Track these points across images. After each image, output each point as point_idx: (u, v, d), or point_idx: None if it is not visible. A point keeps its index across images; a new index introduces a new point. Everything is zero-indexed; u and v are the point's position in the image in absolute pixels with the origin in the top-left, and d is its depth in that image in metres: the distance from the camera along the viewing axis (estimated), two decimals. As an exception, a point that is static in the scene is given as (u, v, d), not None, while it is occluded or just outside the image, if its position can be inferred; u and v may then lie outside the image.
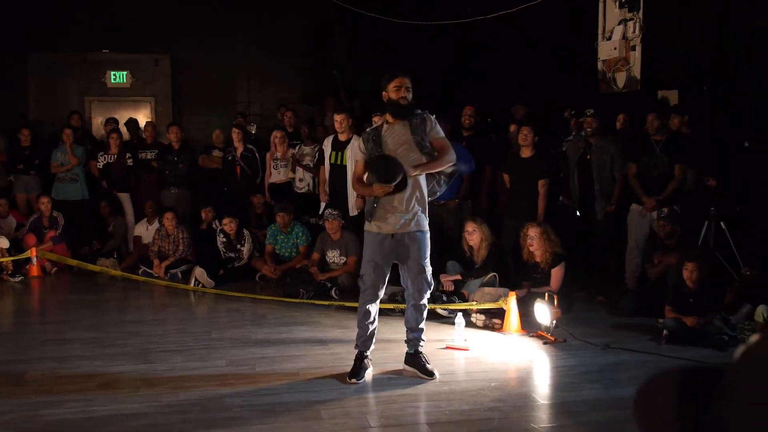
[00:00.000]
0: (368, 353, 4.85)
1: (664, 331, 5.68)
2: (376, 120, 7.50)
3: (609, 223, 7.26)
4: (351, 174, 7.70)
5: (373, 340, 4.87)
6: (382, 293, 4.85)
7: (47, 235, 8.93)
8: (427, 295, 4.83)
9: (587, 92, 9.17)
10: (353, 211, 7.63)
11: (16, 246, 8.78)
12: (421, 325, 4.86)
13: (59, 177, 9.58)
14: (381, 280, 4.78)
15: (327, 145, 7.97)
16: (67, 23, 11.62)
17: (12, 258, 8.42)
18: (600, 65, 9.00)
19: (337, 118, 7.78)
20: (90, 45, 11.96)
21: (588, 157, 7.26)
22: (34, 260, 8.47)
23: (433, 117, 4.70)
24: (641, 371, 4.98)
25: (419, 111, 4.67)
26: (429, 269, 4.78)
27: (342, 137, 7.80)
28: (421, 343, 4.87)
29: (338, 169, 7.78)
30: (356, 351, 4.83)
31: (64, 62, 12.12)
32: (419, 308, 4.82)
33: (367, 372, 4.79)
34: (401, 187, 4.54)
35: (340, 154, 7.75)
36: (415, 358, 4.84)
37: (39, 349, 5.53)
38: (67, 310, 7.09)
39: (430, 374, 4.75)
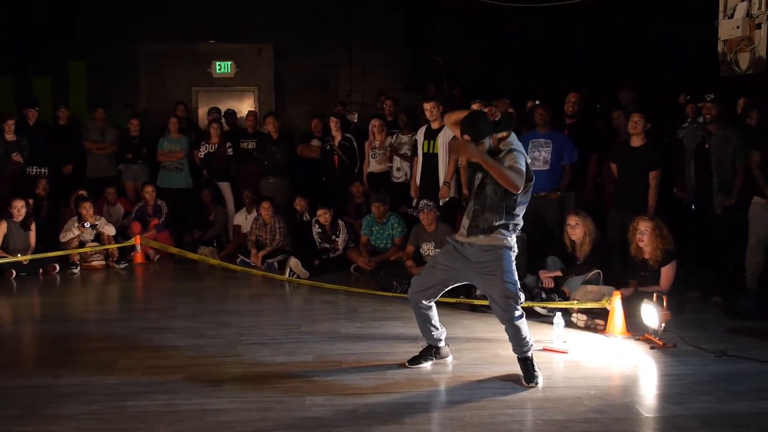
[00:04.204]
0: (435, 344, 4.87)
1: (790, 339, 5.17)
2: (476, 107, 7.22)
3: (728, 218, 6.69)
4: (441, 162, 7.49)
5: (434, 337, 4.85)
6: (427, 303, 4.69)
7: (151, 223, 9.18)
8: (516, 311, 4.39)
9: (705, 75, 8.52)
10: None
11: (124, 233, 9.07)
12: (524, 340, 4.47)
13: (165, 166, 9.83)
14: (429, 285, 4.63)
15: (420, 134, 7.80)
16: (174, 14, 11.89)
17: (118, 245, 8.69)
18: (720, 46, 8.31)
19: (426, 106, 7.63)
20: (196, 35, 12.19)
21: (707, 146, 6.72)
22: (139, 247, 8.73)
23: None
24: (762, 383, 4.50)
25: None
26: (511, 283, 4.37)
27: (434, 125, 7.63)
28: (526, 352, 4.51)
29: (429, 158, 7.62)
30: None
31: (171, 53, 12.42)
32: (510, 328, 4.44)
33: (425, 364, 4.82)
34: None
35: (432, 142, 7.58)
36: (520, 363, 4.54)
37: (134, 338, 5.62)
38: (165, 298, 7.24)
39: (528, 381, 4.44)
